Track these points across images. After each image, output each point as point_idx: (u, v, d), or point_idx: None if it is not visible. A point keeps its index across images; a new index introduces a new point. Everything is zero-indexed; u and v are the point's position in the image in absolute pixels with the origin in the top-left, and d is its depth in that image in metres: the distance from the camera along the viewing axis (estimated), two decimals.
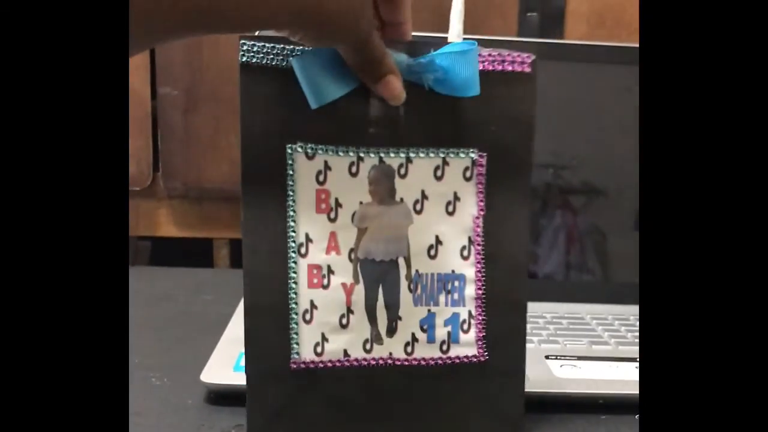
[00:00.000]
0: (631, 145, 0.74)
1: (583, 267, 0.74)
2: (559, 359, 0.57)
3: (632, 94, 0.73)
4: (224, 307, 0.67)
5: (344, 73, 0.41)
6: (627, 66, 0.73)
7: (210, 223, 0.90)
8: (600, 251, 0.74)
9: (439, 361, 0.46)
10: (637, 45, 0.76)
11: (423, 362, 0.45)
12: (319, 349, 0.45)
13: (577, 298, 0.72)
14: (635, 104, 0.73)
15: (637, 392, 0.51)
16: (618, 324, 0.67)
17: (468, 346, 0.46)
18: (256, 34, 0.42)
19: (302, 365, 0.45)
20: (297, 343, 0.44)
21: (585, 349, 0.60)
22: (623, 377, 0.54)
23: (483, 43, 0.44)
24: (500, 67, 0.44)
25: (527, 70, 0.44)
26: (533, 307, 0.67)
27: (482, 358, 0.46)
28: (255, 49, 0.42)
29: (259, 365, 0.44)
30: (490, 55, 0.44)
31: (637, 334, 0.64)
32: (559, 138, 0.74)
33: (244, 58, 0.42)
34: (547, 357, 0.57)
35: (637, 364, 0.56)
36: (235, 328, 0.60)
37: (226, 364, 0.53)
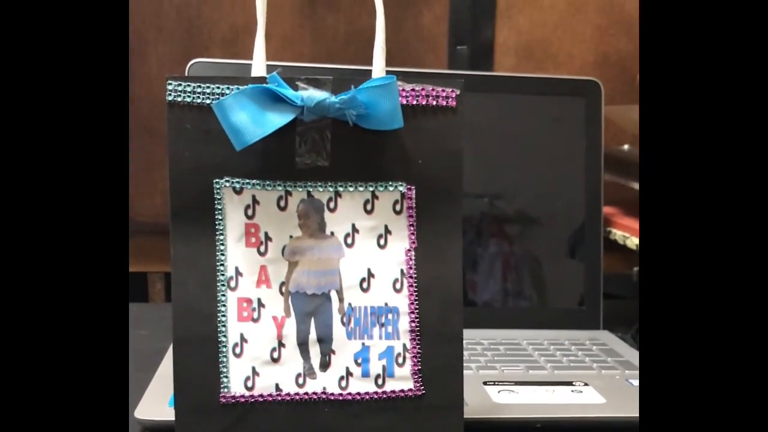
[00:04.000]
0: (561, 174, 0.75)
1: (520, 294, 0.75)
2: (497, 385, 0.57)
3: (560, 124, 0.75)
4: (159, 341, 0.66)
5: (266, 115, 0.42)
6: (554, 97, 0.75)
7: (144, 257, 0.89)
8: (536, 278, 0.75)
9: (375, 396, 0.45)
10: (563, 77, 0.78)
11: (358, 397, 0.45)
12: (249, 384, 0.44)
13: (514, 324, 0.73)
14: (563, 134, 0.75)
15: (572, 415, 0.53)
16: (553, 349, 0.67)
17: (404, 380, 0.46)
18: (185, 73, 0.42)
19: (232, 399, 0.44)
20: (227, 377, 0.44)
21: (522, 374, 0.60)
22: (559, 401, 0.55)
23: (413, 76, 0.44)
24: (424, 102, 0.44)
25: (452, 104, 0.45)
26: (471, 334, 0.68)
27: (418, 392, 0.46)
28: (180, 88, 0.43)
29: (188, 399, 0.44)
30: (413, 90, 0.44)
31: (572, 358, 0.65)
32: (493, 168, 0.75)
33: (171, 97, 0.43)
34: (485, 383, 0.58)
35: (572, 387, 0.57)
36: (170, 364, 0.59)
37: (160, 400, 0.52)
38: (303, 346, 0.45)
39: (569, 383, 0.58)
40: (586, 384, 0.58)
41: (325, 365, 0.45)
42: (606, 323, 0.74)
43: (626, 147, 0.89)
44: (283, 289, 0.45)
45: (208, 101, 0.43)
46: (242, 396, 0.44)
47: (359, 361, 0.45)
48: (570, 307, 0.75)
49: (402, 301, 0.45)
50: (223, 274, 0.44)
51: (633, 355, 0.66)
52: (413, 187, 0.45)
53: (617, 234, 0.77)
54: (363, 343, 0.45)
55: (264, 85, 0.42)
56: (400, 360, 0.46)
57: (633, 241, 0.75)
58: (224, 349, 0.44)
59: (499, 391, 0.56)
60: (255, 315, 0.44)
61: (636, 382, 0.59)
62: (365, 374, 0.45)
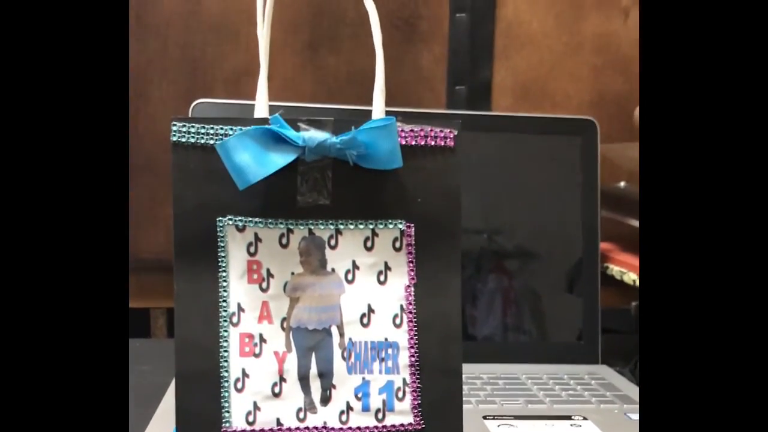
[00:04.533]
0: (559, 211, 0.76)
1: (519, 328, 0.75)
2: (497, 419, 0.58)
3: (557, 162, 0.76)
4: (162, 377, 0.67)
5: (268, 155, 0.43)
6: (551, 135, 0.76)
7: (147, 293, 0.89)
8: (534, 312, 0.76)
9: (375, 430, 0.46)
10: (560, 116, 0.79)
11: (358, 431, 0.46)
12: (251, 418, 0.45)
13: (513, 359, 0.74)
14: (560, 172, 0.76)
15: None
16: (552, 383, 0.68)
17: (403, 415, 0.46)
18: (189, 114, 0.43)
19: None
20: (228, 412, 0.45)
21: (521, 409, 0.61)
22: None
23: (412, 116, 0.45)
24: (423, 142, 0.45)
25: (450, 144, 0.45)
26: (471, 368, 0.69)
27: (418, 426, 0.46)
28: (185, 129, 0.44)
29: None
30: (412, 130, 0.45)
31: (570, 392, 0.65)
32: (491, 204, 0.76)
33: (175, 138, 0.44)
34: (485, 417, 0.58)
35: (571, 421, 0.58)
36: (172, 399, 0.59)
37: None
38: (304, 380, 0.45)
39: (568, 417, 0.59)
40: (585, 418, 0.58)
41: (325, 400, 0.46)
42: (604, 358, 0.75)
43: (622, 184, 0.90)
44: (285, 325, 0.45)
45: (211, 142, 0.44)
46: (243, 431, 0.45)
47: (359, 395, 0.46)
48: (568, 341, 0.76)
49: (402, 336, 0.46)
50: (225, 310, 0.45)
51: (631, 390, 0.66)
52: (412, 225, 0.46)
53: (614, 269, 0.78)
54: (363, 378, 0.46)
55: (266, 126, 0.43)
56: (400, 394, 0.46)
57: (630, 277, 0.76)
58: (226, 384, 0.45)
59: (498, 426, 0.56)
60: (257, 350, 0.45)
61: (635, 416, 0.59)
62: (365, 409, 0.46)
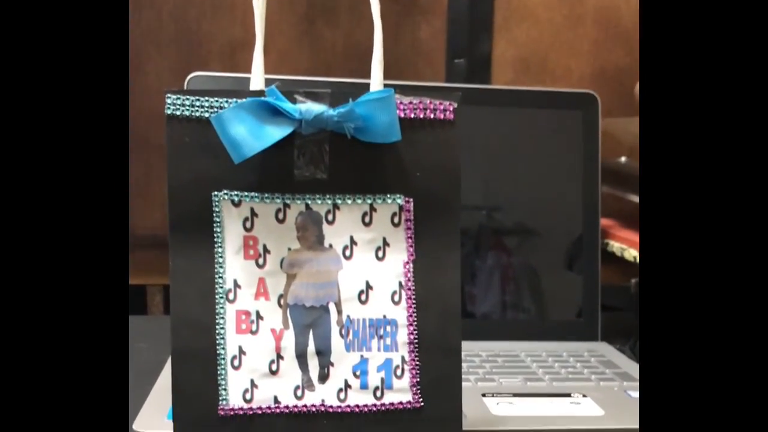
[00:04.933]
0: (559, 187, 0.75)
1: (519, 306, 0.75)
2: (496, 397, 0.57)
3: (558, 137, 0.75)
4: (158, 354, 0.66)
5: (264, 128, 0.42)
6: (551, 110, 0.75)
7: (143, 270, 0.89)
8: (534, 290, 0.75)
9: (373, 408, 0.45)
10: (560, 90, 0.79)
11: (356, 409, 0.45)
12: (248, 396, 0.44)
13: (512, 336, 0.73)
14: (560, 147, 0.75)
15: (571, 427, 0.53)
16: (552, 360, 0.67)
17: (402, 392, 0.46)
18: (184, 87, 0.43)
19: (231, 412, 0.44)
20: (225, 390, 0.44)
21: (520, 386, 0.60)
22: (557, 413, 0.55)
23: (410, 89, 0.45)
24: (422, 115, 0.44)
25: (450, 117, 0.45)
26: (470, 346, 0.68)
27: (417, 404, 0.45)
28: (179, 101, 0.43)
29: (186, 412, 0.44)
30: (411, 103, 0.44)
31: (570, 369, 0.65)
32: (490, 180, 0.75)
33: (170, 110, 0.43)
34: (483, 395, 0.58)
35: (571, 399, 0.57)
36: (169, 377, 0.59)
37: (159, 413, 0.52)
38: (301, 358, 0.45)
39: (567, 395, 0.58)
40: (584, 395, 0.58)
41: (323, 377, 0.45)
42: (604, 335, 0.74)
43: (623, 159, 0.89)
44: (282, 302, 0.45)
45: (206, 114, 0.43)
46: (241, 408, 0.44)
47: (358, 373, 0.45)
48: (568, 318, 0.75)
49: (400, 314, 0.45)
50: (221, 287, 0.44)
51: (631, 367, 0.66)
52: (411, 200, 0.45)
53: (615, 246, 0.77)
54: (361, 356, 0.45)
55: (262, 98, 0.42)
56: (399, 372, 0.46)
57: (630, 253, 0.75)
58: (222, 362, 0.44)
59: (497, 403, 0.56)
60: (253, 327, 0.45)
61: (634, 394, 0.59)
62: (364, 386, 0.45)
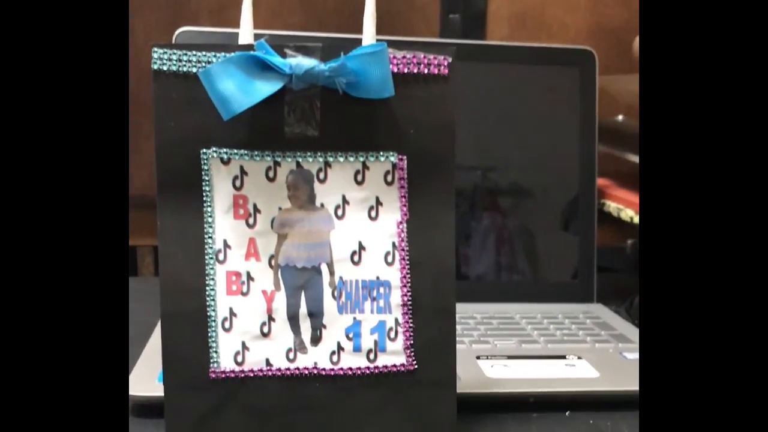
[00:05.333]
0: (555, 146, 0.74)
1: (513, 267, 0.74)
2: (490, 359, 0.57)
3: (554, 94, 0.74)
4: (149, 316, 0.65)
5: (254, 84, 0.41)
6: (548, 66, 0.74)
7: (133, 231, 0.88)
8: (529, 251, 0.75)
9: (366, 371, 0.45)
10: (557, 46, 0.77)
11: (350, 372, 0.45)
12: (239, 359, 0.44)
13: (507, 298, 0.73)
14: (557, 104, 0.74)
15: (566, 389, 0.52)
16: (547, 322, 0.67)
17: (396, 355, 0.45)
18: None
19: (222, 375, 0.44)
20: (216, 352, 0.44)
21: (515, 348, 0.60)
22: (552, 375, 0.55)
23: (404, 45, 0.43)
24: (416, 70, 0.43)
25: (444, 72, 0.44)
26: (464, 308, 0.68)
27: (411, 367, 0.45)
28: (166, 56, 0.42)
29: (177, 375, 0.43)
30: (405, 57, 0.43)
31: (565, 331, 0.64)
32: (485, 139, 0.74)
33: (156, 65, 0.42)
34: (478, 357, 0.57)
35: (566, 361, 0.57)
36: (159, 338, 0.59)
37: (149, 376, 0.52)
38: (293, 320, 0.44)
39: (562, 357, 0.58)
40: (579, 357, 0.58)
41: (316, 340, 0.45)
42: (600, 296, 0.74)
43: (620, 118, 0.88)
44: (273, 263, 0.44)
45: (194, 69, 0.42)
46: (232, 371, 0.44)
47: (351, 335, 0.45)
48: (563, 280, 0.75)
49: (394, 275, 0.45)
50: (211, 247, 0.44)
51: (627, 329, 0.66)
52: (405, 158, 0.44)
53: (611, 206, 0.77)
54: (354, 318, 0.45)
55: (251, 52, 0.41)
56: (392, 334, 0.45)
57: (627, 213, 0.74)
58: (213, 324, 0.44)
59: (492, 366, 0.56)
60: (244, 289, 0.44)
61: (630, 356, 0.59)
62: (357, 349, 0.45)
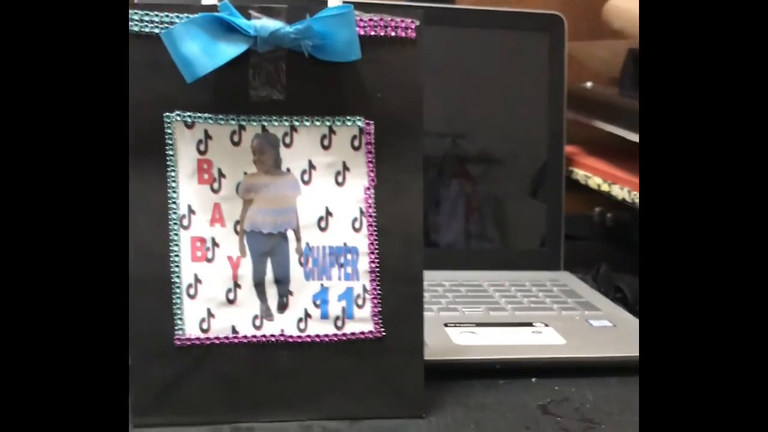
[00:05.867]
0: (523, 112, 0.74)
1: (481, 235, 0.74)
2: (458, 326, 0.57)
3: (523, 60, 0.74)
4: None
5: (218, 46, 0.40)
6: (516, 31, 0.73)
7: None
8: (497, 219, 0.75)
9: (334, 338, 0.45)
10: (526, 10, 0.77)
11: (317, 339, 0.44)
12: (205, 326, 0.43)
13: (475, 266, 0.73)
14: (525, 70, 0.74)
15: (532, 356, 0.52)
16: (514, 290, 0.67)
17: (363, 322, 0.45)
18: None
19: (187, 342, 0.43)
20: (181, 319, 0.43)
21: (482, 316, 0.60)
22: (519, 342, 0.55)
23: (371, 7, 0.43)
24: (383, 33, 0.43)
25: (411, 35, 0.43)
26: (432, 276, 0.67)
27: (378, 334, 0.45)
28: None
29: (142, 342, 0.43)
30: (371, 20, 0.43)
31: (532, 299, 0.64)
32: (453, 105, 0.73)
33: None
34: (446, 324, 0.57)
35: (533, 328, 0.57)
36: None
37: None
38: (259, 287, 0.44)
39: (529, 324, 0.58)
40: (546, 325, 0.58)
41: (282, 307, 0.44)
42: (567, 264, 0.74)
43: (589, 84, 0.88)
44: (238, 228, 0.43)
45: (156, 30, 0.41)
46: (198, 338, 0.43)
47: (318, 302, 0.44)
48: (531, 248, 0.75)
49: (361, 241, 0.44)
50: (175, 213, 0.43)
51: (593, 296, 0.66)
52: (372, 122, 0.43)
53: (579, 174, 0.77)
54: (321, 284, 0.44)
55: (215, 13, 0.40)
56: (360, 301, 0.45)
57: (595, 181, 0.75)
58: (178, 291, 0.43)
59: (460, 333, 0.56)
60: (209, 255, 0.43)
61: (596, 323, 0.59)
62: (324, 316, 0.45)
